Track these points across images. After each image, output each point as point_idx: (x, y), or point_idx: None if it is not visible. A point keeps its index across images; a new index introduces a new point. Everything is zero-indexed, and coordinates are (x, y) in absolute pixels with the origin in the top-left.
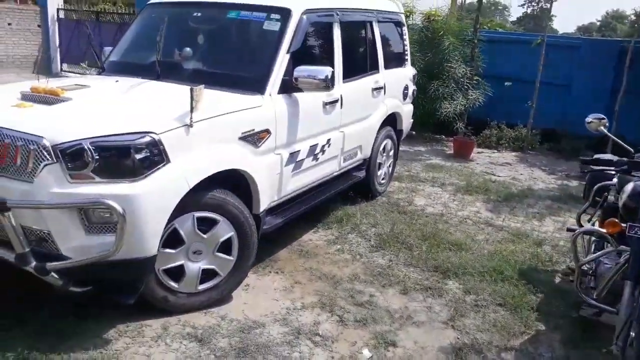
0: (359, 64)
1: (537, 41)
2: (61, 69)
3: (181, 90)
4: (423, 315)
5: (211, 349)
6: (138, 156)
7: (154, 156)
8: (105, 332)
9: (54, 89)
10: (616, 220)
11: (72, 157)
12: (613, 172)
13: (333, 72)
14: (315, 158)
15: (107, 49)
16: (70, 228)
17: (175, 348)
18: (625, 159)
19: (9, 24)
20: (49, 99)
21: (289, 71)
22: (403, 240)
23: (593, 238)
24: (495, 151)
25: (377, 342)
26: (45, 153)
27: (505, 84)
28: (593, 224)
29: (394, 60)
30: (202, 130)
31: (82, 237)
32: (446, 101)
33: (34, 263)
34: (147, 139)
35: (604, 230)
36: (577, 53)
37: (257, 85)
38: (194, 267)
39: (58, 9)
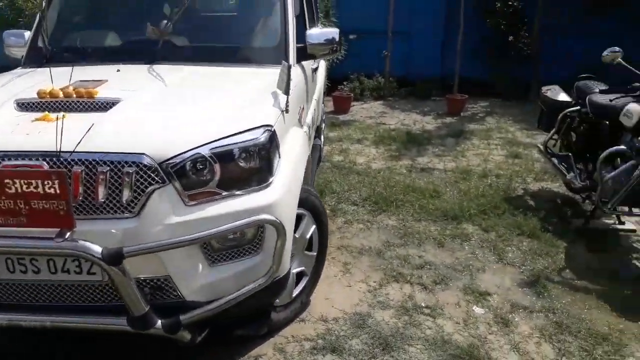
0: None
1: None
2: None
3: (221, 73)
4: (477, 262)
5: (354, 354)
6: (264, 156)
7: (274, 152)
8: None
9: (84, 89)
10: None
11: (190, 172)
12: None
13: (339, 33)
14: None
15: (9, 32)
16: (193, 264)
17: None
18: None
19: None
20: (90, 103)
21: (298, 37)
22: (391, 198)
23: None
24: (363, 102)
25: (474, 297)
26: (151, 173)
27: (350, 36)
28: (560, 149)
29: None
30: (289, 115)
31: (207, 272)
32: None
33: (159, 322)
34: (267, 133)
35: None
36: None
37: (279, 57)
38: (291, 273)
39: None
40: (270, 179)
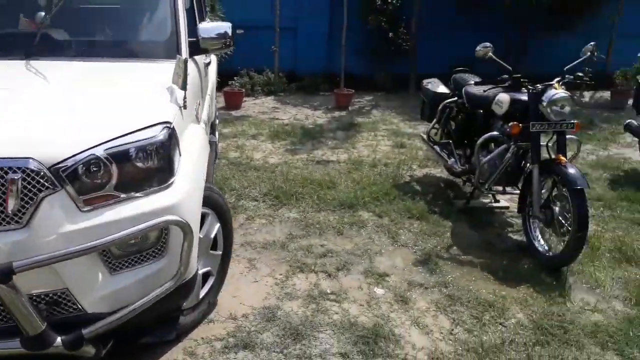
0: (201, 18)
1: None
2: None
3: (110, 68)
4: (374, 246)
5: (266, 347)
6: (163, 155)
7: (174, 151)
8: None
9: None
10: (516, 123)
11: (84, 175)
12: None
13: (232, 27)
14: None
15: None
16: (93, 274)
17: None
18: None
19: None
20: None
21: (189, 31)
22: (290, 191)
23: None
24: (255, 98)
25: (374, 279)
26: (40, 179)
27: (237, 31)
28: (441, 137)
29: None
30: (187, 111)
31: (108, 281)
32: None
33: (59, 339)
34: (166, 131)
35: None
36: None
37: (171, 51)
38: (198, 274)
39: None
40: (172, 179)
